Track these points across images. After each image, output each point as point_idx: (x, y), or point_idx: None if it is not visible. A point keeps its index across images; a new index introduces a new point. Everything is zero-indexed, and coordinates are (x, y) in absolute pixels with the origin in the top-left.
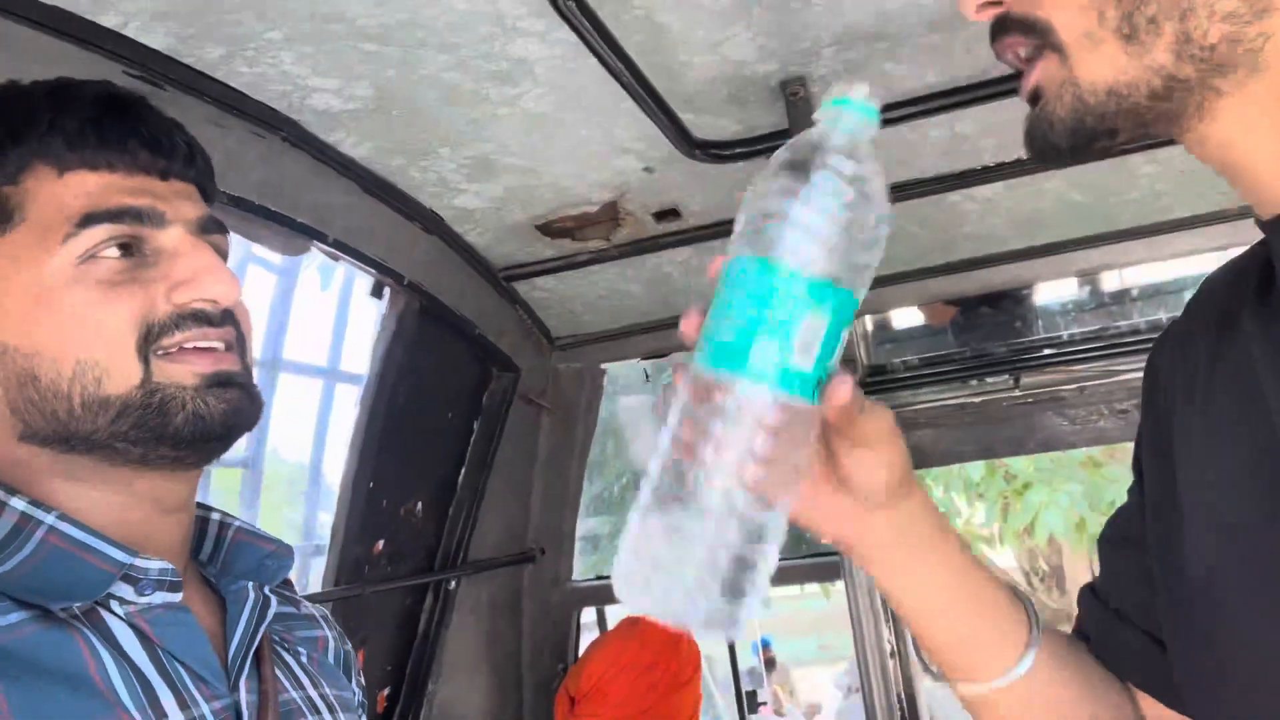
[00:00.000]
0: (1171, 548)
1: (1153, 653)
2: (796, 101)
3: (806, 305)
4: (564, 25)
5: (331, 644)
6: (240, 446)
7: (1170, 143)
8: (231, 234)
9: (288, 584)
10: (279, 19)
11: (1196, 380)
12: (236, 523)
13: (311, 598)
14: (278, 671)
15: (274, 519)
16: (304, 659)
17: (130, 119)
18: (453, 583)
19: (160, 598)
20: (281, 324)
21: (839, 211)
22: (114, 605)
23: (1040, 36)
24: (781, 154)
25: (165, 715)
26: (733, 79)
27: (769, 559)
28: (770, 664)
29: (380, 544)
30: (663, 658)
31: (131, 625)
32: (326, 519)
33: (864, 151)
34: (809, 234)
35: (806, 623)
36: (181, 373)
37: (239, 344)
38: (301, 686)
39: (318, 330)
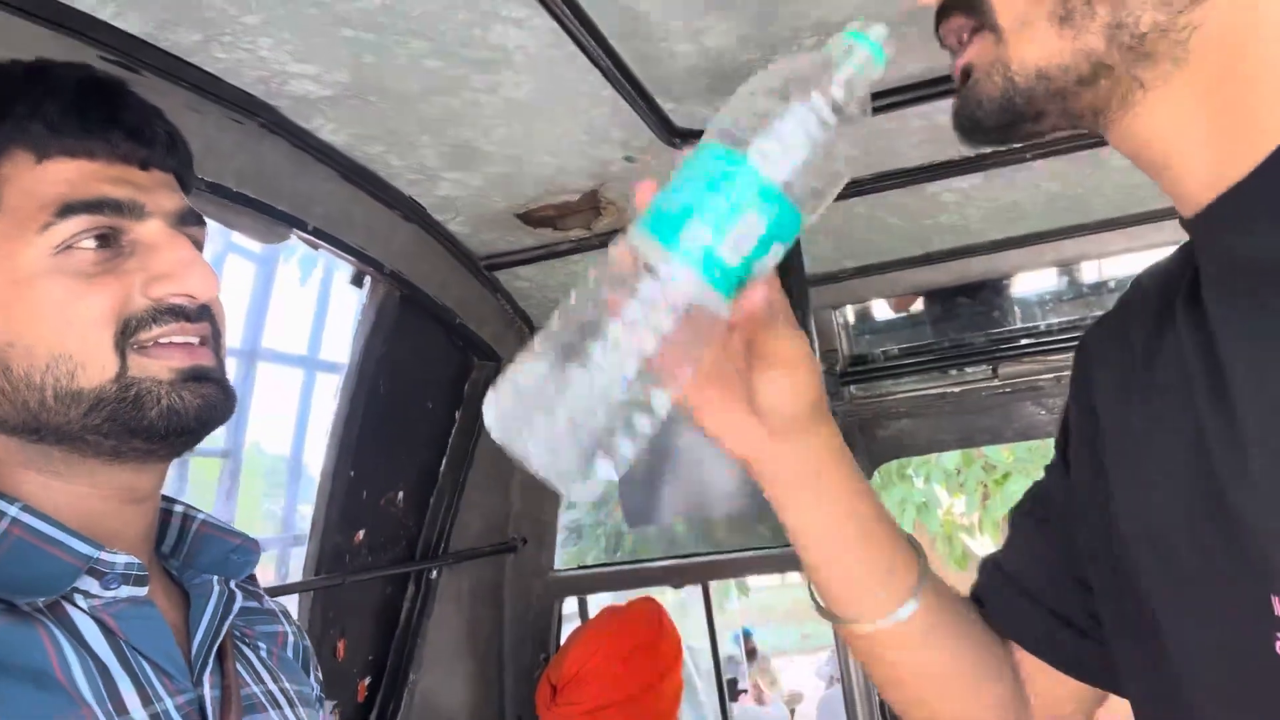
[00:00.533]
0: (1104, 538)
1: (1054, 626)
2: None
3: (753, 203)
4: (544, 12)
5: (291, 639)
6: (219, 437)
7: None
8: (210, 222)
9: (252, 579)
10: (256, 3)
11: (1133, 376)
12: (200, 515)
13: (292, 587)
14: (239, 666)
15: (253, 509)
16: (264, 653)
17: (112, 106)
18: (434, 572)
19: (125, 592)
20: (261, 313)
21: (819, 135)
22: (78, 599)
23: (979, 17)
24: (785, 65)
25: (127, 710)
26: (712, 68)
27: (639, 434)
28: (751, 654)
29: (361, 534)
30: (643, 646)
31: (96, 619)
32: (306, 510)
33: (861, 90)
34: (783, 143)
35: (787, 612)
36: (157, 367)
37: (214, 339)
38: (262, 681)
39: (297, 319)
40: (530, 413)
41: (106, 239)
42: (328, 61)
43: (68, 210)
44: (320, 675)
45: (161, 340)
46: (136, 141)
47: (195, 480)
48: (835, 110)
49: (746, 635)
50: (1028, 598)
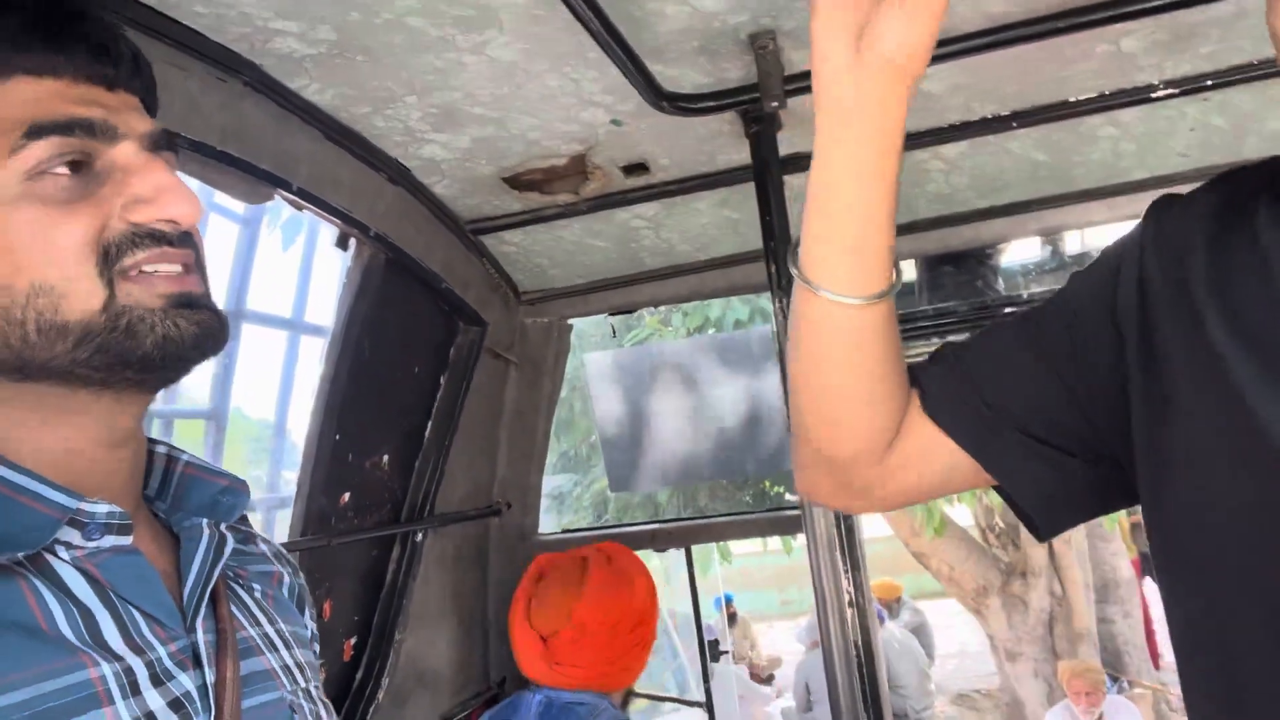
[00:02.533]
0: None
1: (979, 412)
2: (765, 54)
3: None
4: None
5: (286, 579)
6: (204, 399)
7: (1133, 104)
8: (193, 181)
9: (243, 519)
10: None
11: (1216, 273)
12: (185, 456)
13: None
14: (234, 608)
15: (238, 472)
16: (259, 595)
17: (76, 22)
18: (419, 535)
19: (109, 541)
20: (245, 275)
21: None
22: (60, 551)
23: None
24: None
25: (121, 658)
26: (702, 30)
27: None
28: (732, 619)
29: (346, 496)
30: (648, 613)
31: (80, 570)
32: (290, 474)
33: None
34: None
35: (768, 578)
36: (146, 295)
37: (198, 265)
38: (258, 623)
39: (282, 282)
40: None
41: (79, 164)
42: (312, 18)
43: (37, 131)
44: (314, 612)
45: (146, 268)
46: (103, 60)
47: (179, 442)
48: None
49: (728, 600)
50: (970, 383)
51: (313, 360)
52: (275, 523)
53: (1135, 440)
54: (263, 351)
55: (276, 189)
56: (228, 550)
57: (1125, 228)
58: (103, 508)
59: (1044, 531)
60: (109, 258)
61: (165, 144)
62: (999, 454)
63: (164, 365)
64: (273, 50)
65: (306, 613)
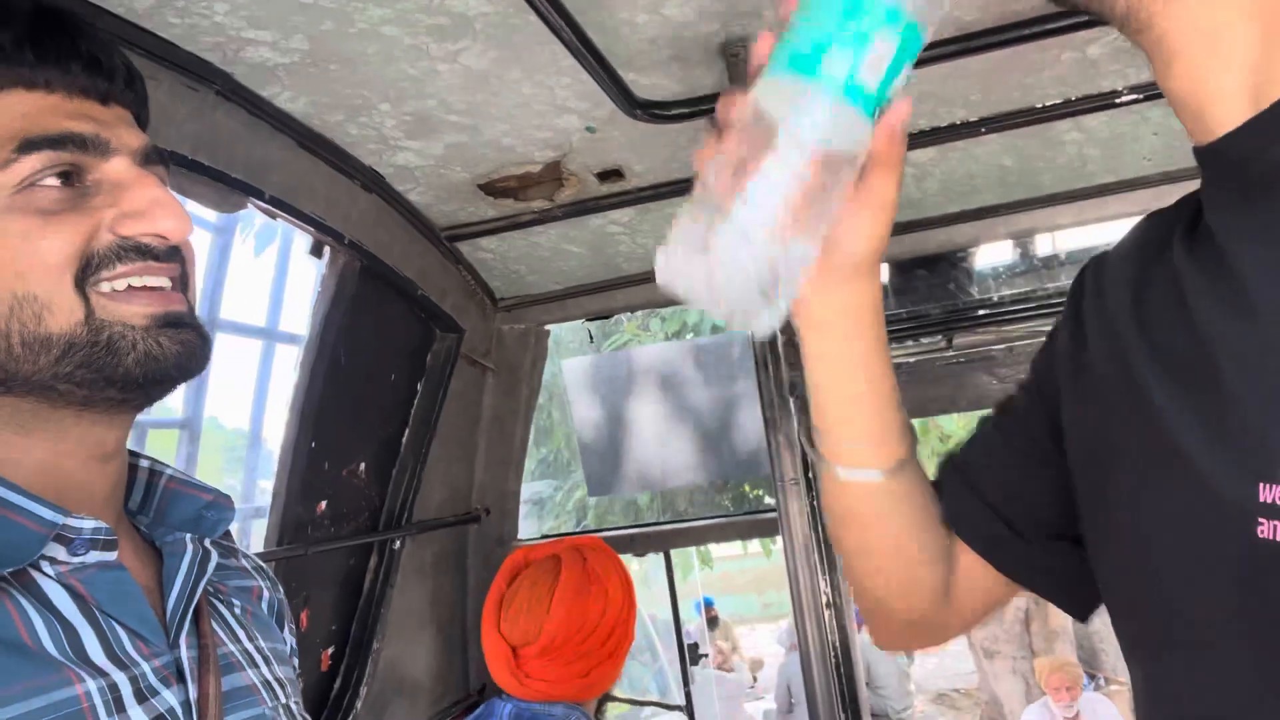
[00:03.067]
0: (1090, 443)
1: (997, 528)
2: (737, 63)
3: (883, 24)
4: None
5: (265, 593)
6: (177, 408)
7: (1098, 109)
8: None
9: (226, 534)
10: None
11: (1138, 308)
12: (168, 470)
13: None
14: (215, 624)
15: (212, 481)
16: (239, 610)
17: (70, 36)
18: (397, 542)
19: (94, 557)
20: (218, 283)
21: None
22: (45, 566)
23: None
24: None
25: (105, 674)
26: (674, 39)
27: (797, 273)
28: (713, 622)
29: (323, 505)
30: (622, 621)
31: (65, 585)
32: (266, 483)
33: None
34: None
35: (749, 581)
36: (128, 312)
37: (183, 282)
38: (238, 639)
39: (256, 290)
40: (700, 261)
41: (69, 176)
42: (285, 28)
43: (28, 145)
44: (294, 627)
45: (134, 283)
46: (96, 74)
47: (152, 451)
48: None
49: (708, 604)
50: (979, 498)
51: (288, 369)
52: (251, 532)
53: (1077, 486)
54: (238, 360)
55: (249, 197)
56: (211, 566)
57: (1092, 231)
58: (89, 523)
59: (1080, 614)
60: (88, 269)
61: (157, 159)
62: (1012, 558)
63: (145, 384)
64: (245, 59)
65: (285, 628)
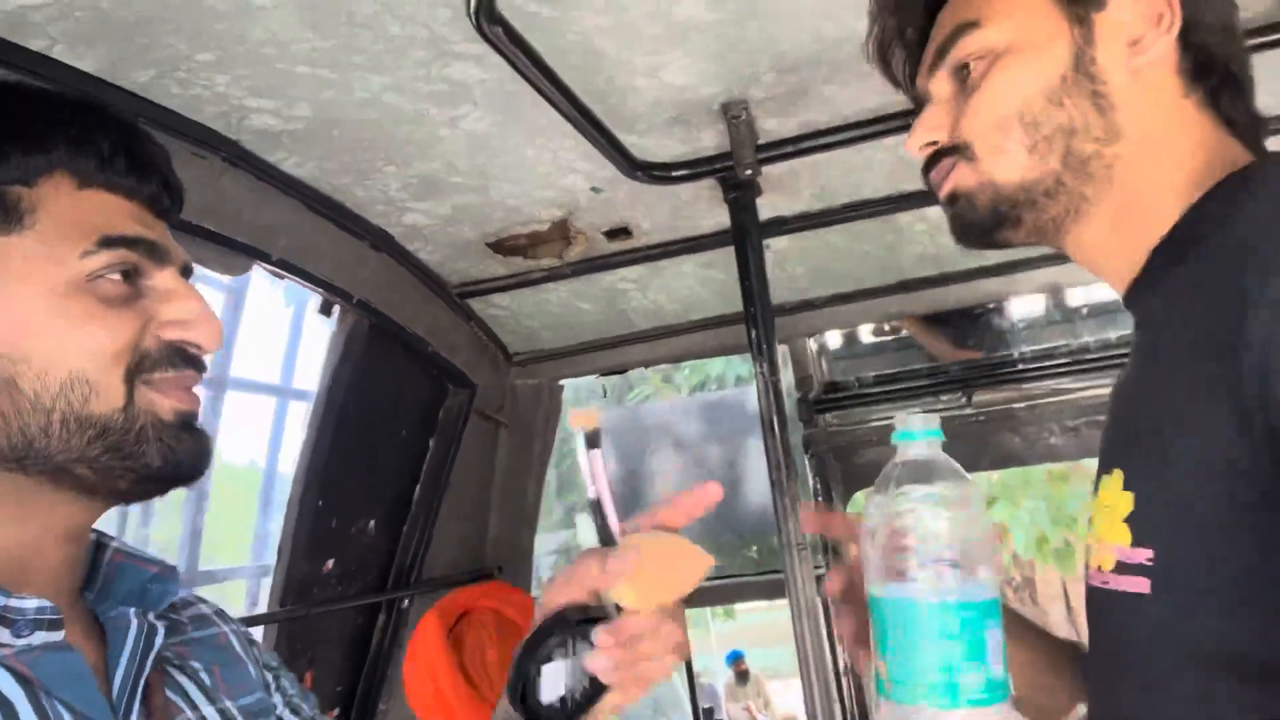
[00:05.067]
0: None
1: None
2: (738, 123)
3: (986, 621)
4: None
5: (232, 637)
6: None
7: None
8: None
9: (172, 606)
10: (210, 42)
11: None
12: (114, 543)
13: (257, 619)
14: (170, 694)
15: (222, 539)
16: (203, 675)
17: (149, 153)
18: (405, 601)
19: (40, 638)
20: (230, 341)
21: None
22: None
23: (961, 153)
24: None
25: None
26: (674, 102)
27: None
28: (743, 676)
29: (330, 563)
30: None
31: (9, 669)
32: (276, 538)
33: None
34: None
35: (779, 634)
36: (162, 405)
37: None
38: (196, 707)
39: (269, 348)
40: None
41: (129, 275)
42: (287, 97)
43: (108, 242)
44: (272, 661)
45: (166, 381)
46: (165, 191)
47: (161, 510)
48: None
49: (737, 657)
50: None
51: (299, 425)
52: (261, 590)
53: None
54: (250, 417)
55: (255, 260)
56: (158, 641)
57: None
58: (31, 603)
59: None
60: (141, 366)
61: (189, 273)
62: None
63: (161, 479)
64: (250, 126)
65: (258, 653)
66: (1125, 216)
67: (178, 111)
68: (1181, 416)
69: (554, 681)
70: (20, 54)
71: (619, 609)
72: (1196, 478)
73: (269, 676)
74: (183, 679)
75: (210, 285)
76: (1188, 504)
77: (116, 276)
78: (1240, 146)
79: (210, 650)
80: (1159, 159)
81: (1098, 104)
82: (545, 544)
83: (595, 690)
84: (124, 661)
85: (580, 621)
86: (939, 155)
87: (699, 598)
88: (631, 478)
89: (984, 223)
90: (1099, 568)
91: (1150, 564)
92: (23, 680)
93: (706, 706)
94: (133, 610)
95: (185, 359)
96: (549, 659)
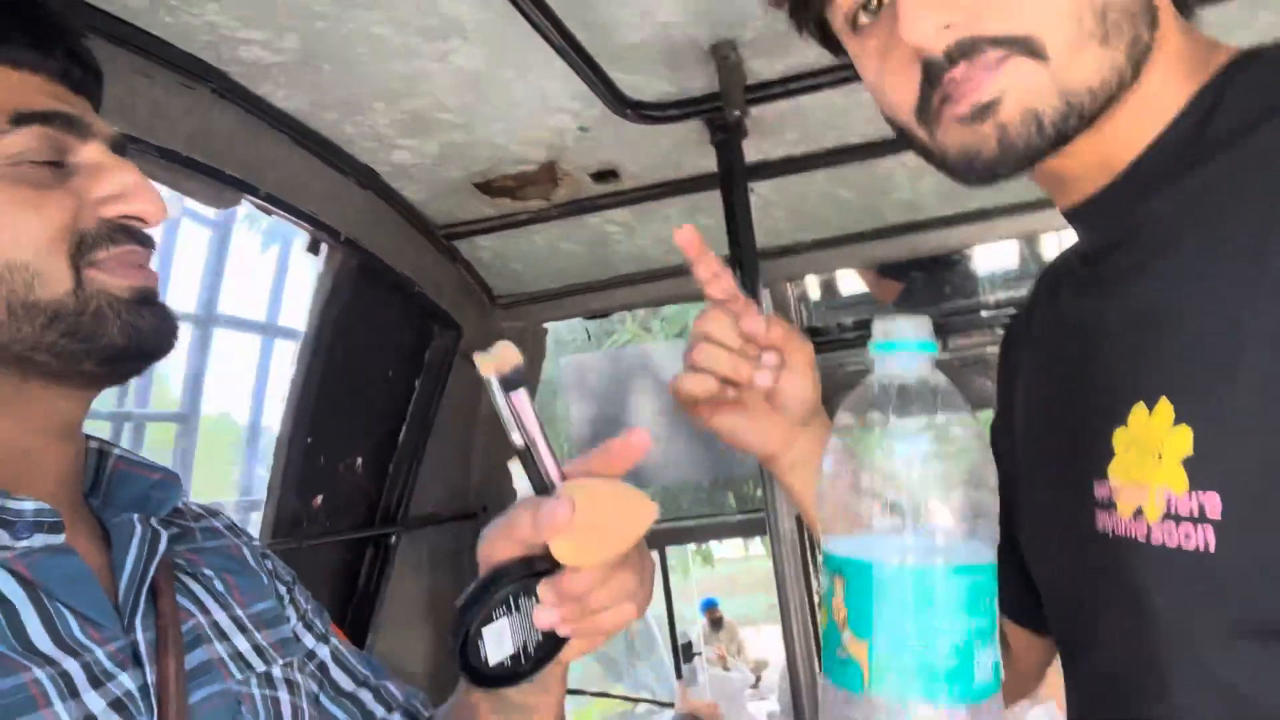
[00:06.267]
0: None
1: (1019, 589)
2: (727, 64)
3: (993, 588)
4: None
5: (245, 549)
6: (175, 400)
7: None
8: (160, 187)
9: (177, 511)
10: None
11: (1027, 343)
12: (116, 451)
13: None
14: (181, 599)
15: (210, 474)
16: (216, 583)
17: (54, 25)
18: (393, 538)
19: (40, 540)
20: (217, 278)
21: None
22: None
23: (1014, 47)
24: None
25: (54, 662)
26: (663, 40)
27: None
28: (717, 623)
29: (319, 499)
30: None
31: (10, 571)
32: (264, 475)
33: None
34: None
35: (755, 582)
36: (115, 284)
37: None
38: (208, 612)
39: (255, 286)
40: None
41: (53, 156)
42: (277, 27)
43: (21, 119)
44: (279, 567)
45: (120, 261)
46: (75, 62)
47: (151, 445)
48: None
49: (711, 605)
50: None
51: (286, 363)
52: (249, 524)
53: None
54: (237, 354)
55: (243, 194)
56: (162, 545)
57: None
58: (29, 504)
59: None
60: (81, 247)
61: (121, 149)
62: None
63: (126, 357)
64: (239, 58)
65: (273, 564)
66: (1132, 117)
67: (168, 41)
68: (1260, 327)
69: (499, 640)
70: None
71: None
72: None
73: (282, 589)
74: (194, 584)
75: (196, 221)
76: (1273, 436)
77: (38, 159)
78: (1197, 31)
79: (222, 558)
80: (1164, 45)
81: None
82: (524, 488)
83: (552, 643)
84: (129, 565)
85: (524, 576)
86: (970, 48)
87: (679, 536)
88: (612, 423)
89: (1046, 143)
90: (1134, 514)
91: (1218, 516)
92: (24, 582)
93: (685, 642)
94: (136, 516)
95: (128, 234)
96: (490, 619)
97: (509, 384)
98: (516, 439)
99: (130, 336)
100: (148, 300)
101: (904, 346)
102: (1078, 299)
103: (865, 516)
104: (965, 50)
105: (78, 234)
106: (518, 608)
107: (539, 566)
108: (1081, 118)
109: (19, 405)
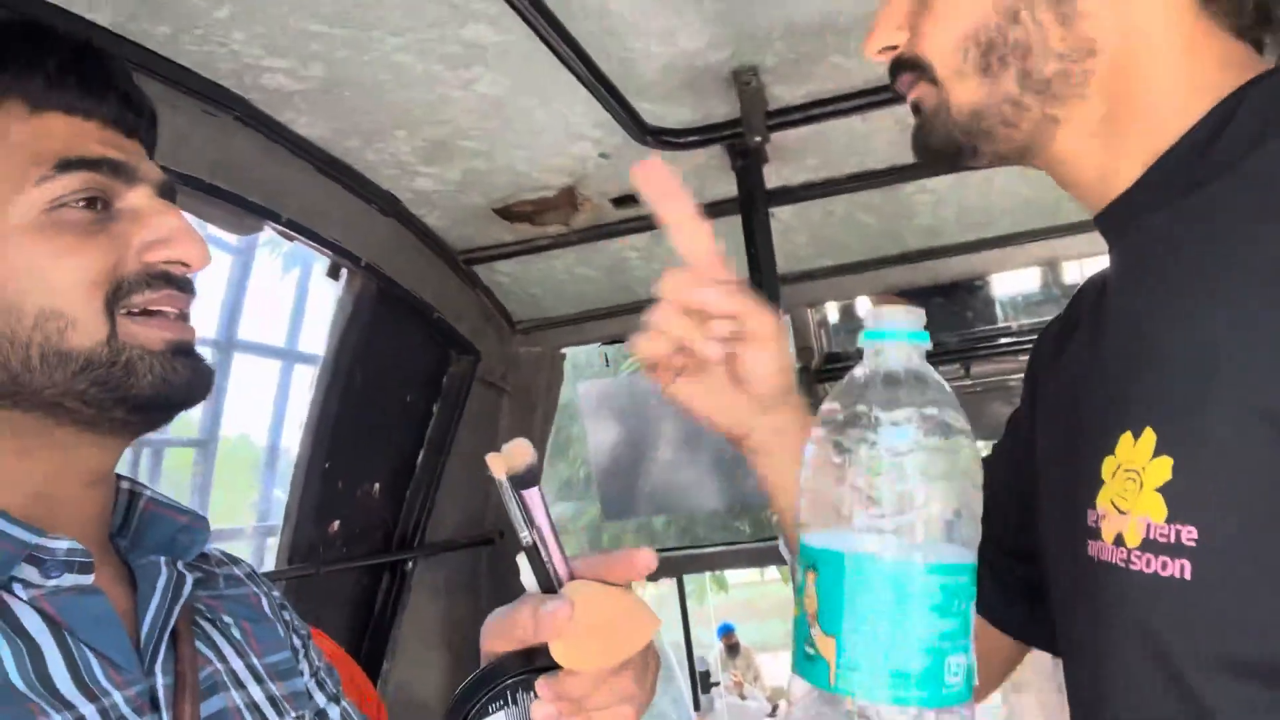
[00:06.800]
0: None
1: (995, 590)
2: (748, 90)
3: (971, 589)
4: (514, 12)
5: (264, 600)
6: (194, 425)
7: None
8: (186, 213)
9: (203, 556)
10: None
11: (1054, 356)
12: (147, 492)
13: (265, 576)
14: (200, 645)
15: (229, 499)
16: (234, 630)
17: (107, 70)
18: (409, 563)
19: (69, 580)
20: (238, 304)
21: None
22: (18, 589)
23: (922, 72)
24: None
25: (72, 706)
26: (685, 67)
27: None
28: (733, 649)
29: (335, 524)
30: None
31: (37, 609)
32: (282, 500)
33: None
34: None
35: (772, 607)
36: (149, 336)
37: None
38: (225, 659)
39: (275, 311)
40: None
41: (96, 202)
42: (301, 55)
43: (67, 165)
44: (298, 621)
45: (152, 308)
46: (127, 107)
47: (169, 469)
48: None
49: (728, 631)
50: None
51: (305, 388)
52: (266, 549)
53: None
54: (256, 379)
55: (265, 220)
56: (186, 589)
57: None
58: (63, 544)
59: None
60: (118, 293)
61: (171, 194)
62: (1018, 620)
63: (156, 408)
64: (262, 85)
65: (290, 617)
66: (1112, 128)
67: (193, 69)
68: (1233, 357)
69: None
70: (36, 6)
71: None
72: (1257, 439)
73: (297, 642)
74: (213, 631)
75: (219, 247)
76: (1248, 470)
77: (81, 202)
78: (1250, 50)
79: (241, 606)
80: (1153, 67)
81: (1062, 15)
82: (534, 581)
83: None
84: (152, 608)
85: (524, 671)
86: (901, 67)
87: (695, 564)
88: (631, 448)
89: (943, 149)
90: (1114, 541)
91: (1194, 544)
92: (50, 622)
93: (703, 670)
94: (163, 559)
95: (168, 280)
96: (487, 711)
97: (522, 481)
98: (525, 537)
99: (160, 389)
100: (183, 352)
101: (894, 336)
102: (1092, 315)
103: (843, 507)
104: (898, 67)
105: (115, 280)
106: (515, 701)
107: (539, 662)
108: (968, 133)
109: (50, 451)
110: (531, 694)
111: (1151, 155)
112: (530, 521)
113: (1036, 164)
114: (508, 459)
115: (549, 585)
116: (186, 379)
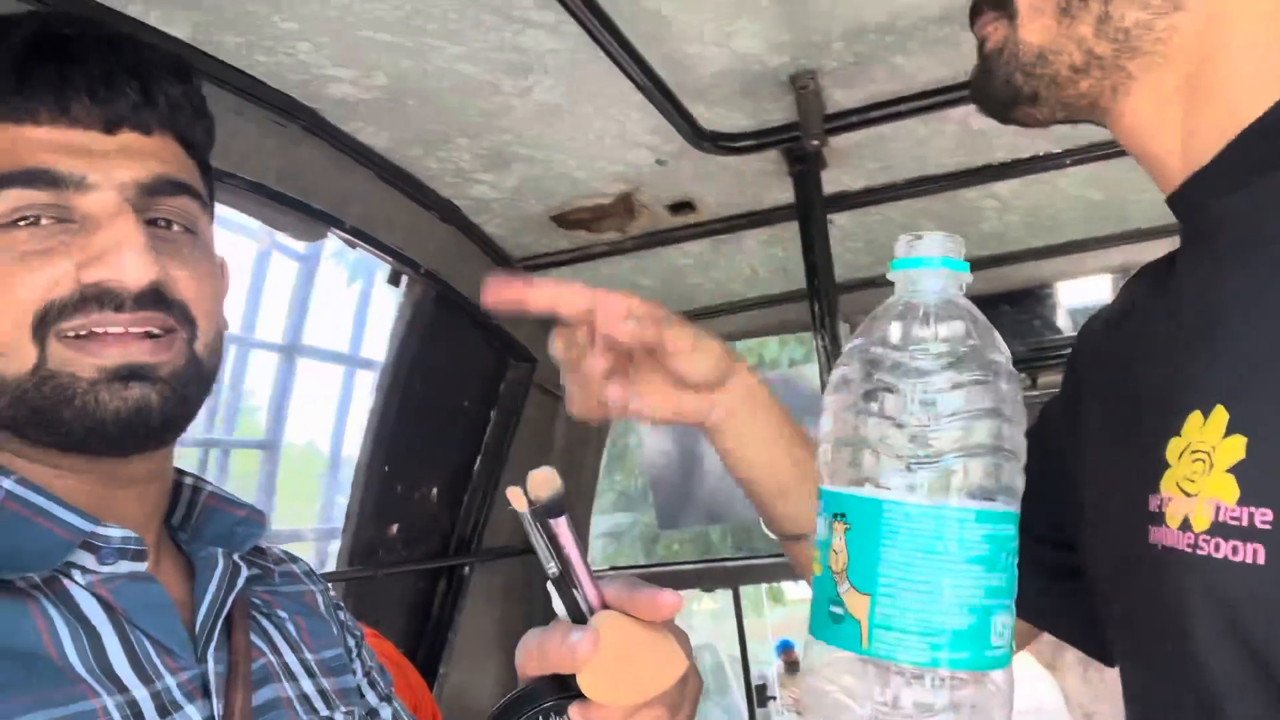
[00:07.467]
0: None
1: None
2: (806, 94)
3: (1015, 541)
4: (571, 18)
5: (319, 597)
6: (259, 428)
7: None
8: (252, 220)
9: (259, 550)
10: (292, 10)
11: (1109, 340)
12: (209, 488)
13: (327, 577)
14: (254, 638)
15: (293, 501)
16: (289, 625)
17: (67, 60)
18: (466, 568)
19: (125, 567)
20: (302, 310)
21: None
22: (76, 575)
23: (1003, 7)
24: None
25: (127, 689)
26: (742, 72)
27: None
28: (793, 666)
29: (394, 528)
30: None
31: (95, 595)
32: (343, 503)
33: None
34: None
35: None
36: (80, 362)
37: (185, 327)
38: (278, 652)
39: (339, 317)
40: None
41: (38, 220)
42: (365, 65)
43: (1, 182)
44: (353, 620)
45: (95, 330)
46: (94, 100)
47: (236, 472)
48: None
49: (787, 648)
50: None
51: (366, 393)
52: (328, 552)
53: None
54: (320, 384)
55: (330, 227)
56: (241, 580)
57: None
58: (117, 532)
59: (1099, 655)
60: (47, 318)
61: (171, 190)
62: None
63: (86, 439)
64: (329, 95)
65: (344, 617)
66: (1190, 97)
67: (261, 80)
68: None
69: None
70: (119, 19)
71: None
72: None
73: (351, 641)
74: (268, 625)
75: (285, 253)
76: None
77: (24, 220)
78: None
79: (296, 603)
80: (1242, 35)
81: None
82: (596, 525)
83: None
84: (208, 596)
85: (558, 696)
86: (984, 3)
87: (752, 575)
88: (685, 456)
89: (1001, 92)
90: (1180, 525)
91: (1268, 527)
92: (107, 607)
93: (760, 684)
94: (220, 550)
95: (101, 300)
96: None
97: (549, 511)
98: (551, 569)
99: (84, 420)
100: (123, 377)
101: (930, 263)
102: (1152, 299)
103: (876, 450)
104: (980, 4)
105: (45, 304)
106: None
107: (573, 687)
108: (1029, 75)
109: (51, 460)
110: (564, 719)
111: (1232, 130)
112: (557, 551)
113: (1106, 124)
114: (534, 488)
115: (578, 614)
116: (114, 408)
